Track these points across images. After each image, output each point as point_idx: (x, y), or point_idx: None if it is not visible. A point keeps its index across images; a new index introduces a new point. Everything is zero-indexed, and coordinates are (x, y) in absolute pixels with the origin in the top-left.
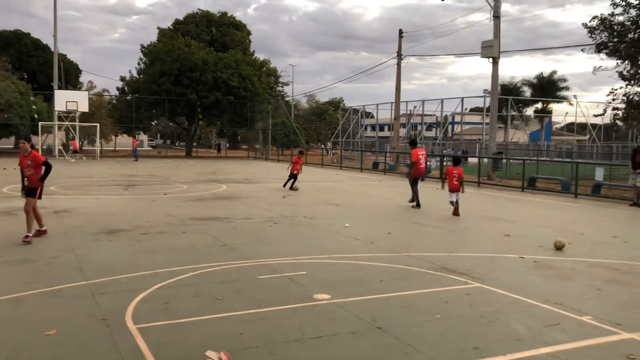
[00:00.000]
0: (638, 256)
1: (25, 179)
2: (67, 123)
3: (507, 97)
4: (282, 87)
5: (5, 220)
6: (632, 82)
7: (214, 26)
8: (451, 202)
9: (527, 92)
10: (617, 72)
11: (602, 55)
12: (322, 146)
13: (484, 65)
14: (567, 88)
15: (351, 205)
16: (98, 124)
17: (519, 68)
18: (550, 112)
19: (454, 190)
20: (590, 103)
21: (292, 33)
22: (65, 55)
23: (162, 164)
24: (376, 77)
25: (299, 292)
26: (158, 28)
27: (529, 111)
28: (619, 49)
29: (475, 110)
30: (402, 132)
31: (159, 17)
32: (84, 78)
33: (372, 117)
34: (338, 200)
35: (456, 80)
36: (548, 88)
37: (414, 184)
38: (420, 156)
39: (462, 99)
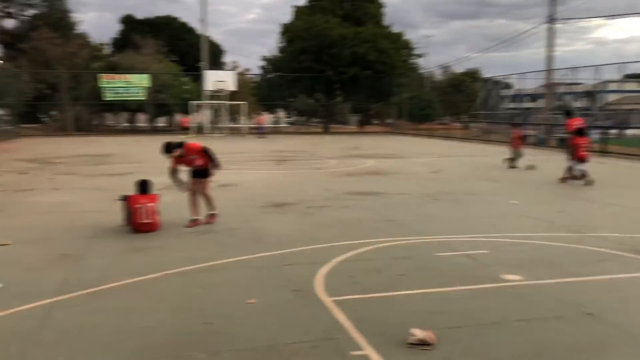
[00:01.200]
0: None
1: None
2: (215, 102)
3: None
4: (416, 59)
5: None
6: None
7: (347, 0)
8: (580, 172)
9: None
10: None
11: None
12: (461, 119)
13: (637, 27)
14: None
15: (510, 180)
16: (245, 102)
17: None
18: None
19: (584, 159)
20: None
21: (422, 3)
22: (209, 37)
23: (303, 140)
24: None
25: (486, 272)
26: (293, 6)
27: None
28: None
29: (633, 76)
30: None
31: None
32: (227, 58)
33: (509, 87)
34: (493, 175)
35: (605, 45)
36: None
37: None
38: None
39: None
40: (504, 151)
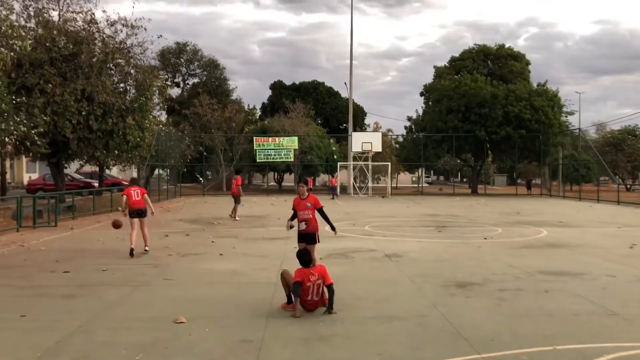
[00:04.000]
0: None
1: (304, 222)
2: (361, 163)
3: None
4: (567, 116)
5: (345, 264)
6: None
7: (490, 59)
8: None
9: None
10: None
11: None
12: (621, 180)
13: None
14: None
15: None
16: (389, 163)
17: None
18: None
19: None
20: None
21: (568, 59)
22: (353, 100)
23: (452, 202)
24: None
25: None
26: (435, 66)
27: None
28: None
29: None
30: None
31: (427, 58)
32: (368, 120)
33: None
34: None
35: None
36: None
37: None
38: None
39: None
40: None
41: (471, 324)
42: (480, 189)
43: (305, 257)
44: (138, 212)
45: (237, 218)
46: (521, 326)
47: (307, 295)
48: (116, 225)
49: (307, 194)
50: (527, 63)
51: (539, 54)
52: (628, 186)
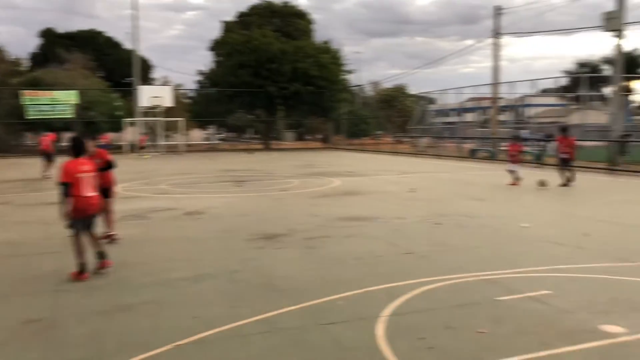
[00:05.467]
0: None
1: None
2: (150, 119)
3: (586, 74)
4: (347, 75)
5: (142, 225)
6: None
7: (277, 16)
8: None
9: (607, 70)
10: None
11: None
12: (395, 134)
13: (544, 45)
14: None
15: (496, 199)
16: (183, 118)
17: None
18: (631, 90)
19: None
20: None
21: (346, 21)
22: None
23: (248, 157)
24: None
25: (576, 323)
26: (222, 21)
27: (607, 90)
28: None
29: (546, 91)
30: (471, 117)
31: (213, 12)
32: (156, 74)
33: (434, 103)
34: (474, 193)
35: (516, 62)
36: (629, 65)
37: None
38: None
39: (535, 80)
40: (462, 166)
41: (284, 275)
42: (272, 144)
43: (76, 143)
44: None
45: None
46: (332, 272)
47: (81, 191)
48: None
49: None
50: (310, 22)
51: (320, 15)
52: (398, 138)
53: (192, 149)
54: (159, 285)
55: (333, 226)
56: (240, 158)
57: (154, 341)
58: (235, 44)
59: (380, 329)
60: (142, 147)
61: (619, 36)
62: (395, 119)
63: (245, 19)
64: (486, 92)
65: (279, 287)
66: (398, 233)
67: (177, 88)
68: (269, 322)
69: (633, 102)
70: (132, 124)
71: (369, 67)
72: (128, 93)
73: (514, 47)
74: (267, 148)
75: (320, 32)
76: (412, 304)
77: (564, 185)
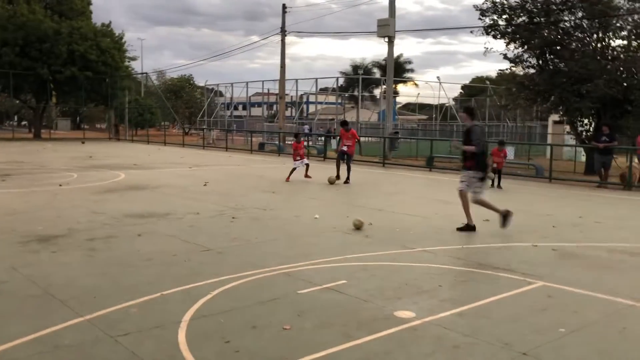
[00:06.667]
0: (627, 237)
1: None
2: None
3: (358, 76)
4: (130, 61)
5: None
6: (517, 63)
7: None
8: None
9: (377, 73)
10: (501, 53)
11: (490, 37)
12: (183, 125)
13: (323, 47)
14: (411, 70)
15: (288, 192)
16: None
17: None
18: (397, 92)
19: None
20: (450, 84)
21: (127, 5)
22: None
23: (13, 147)
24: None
25: (373, 311)
26: None
27: (377, 92)
28: (507, 32)
29: (325, 90)
30: (259, 111)
31: None
32: None
33: (222, 95)
34: (265, 186)
35: (297, 60)
36: (395, 69)
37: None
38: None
39: (317, 79)
40: (252, 159)
41: (65, 282)
42: (44, 133)
43: None
44: None
45: None
46: (122, 276)
47: None
48: None
49: None
50: (89, 3)
51: None
52: (186, 130)
53: None
54: None
55: (120, 224)
56: (2, 148)
57: None
58: None
59: (181, 336)
60: None
61: (391, 41)
62: (183, 110)
63: None
64: (272, 87)
65: (58, 298)
66: (193, 229)
67: None
68: (48, 340)
69: (398, 103)
70: None
71: (152, 55)
72: None
73: (296, 47)
74: (38, 137)
75: (100, 15)
76: (213, 305)
77: (346, 182)
